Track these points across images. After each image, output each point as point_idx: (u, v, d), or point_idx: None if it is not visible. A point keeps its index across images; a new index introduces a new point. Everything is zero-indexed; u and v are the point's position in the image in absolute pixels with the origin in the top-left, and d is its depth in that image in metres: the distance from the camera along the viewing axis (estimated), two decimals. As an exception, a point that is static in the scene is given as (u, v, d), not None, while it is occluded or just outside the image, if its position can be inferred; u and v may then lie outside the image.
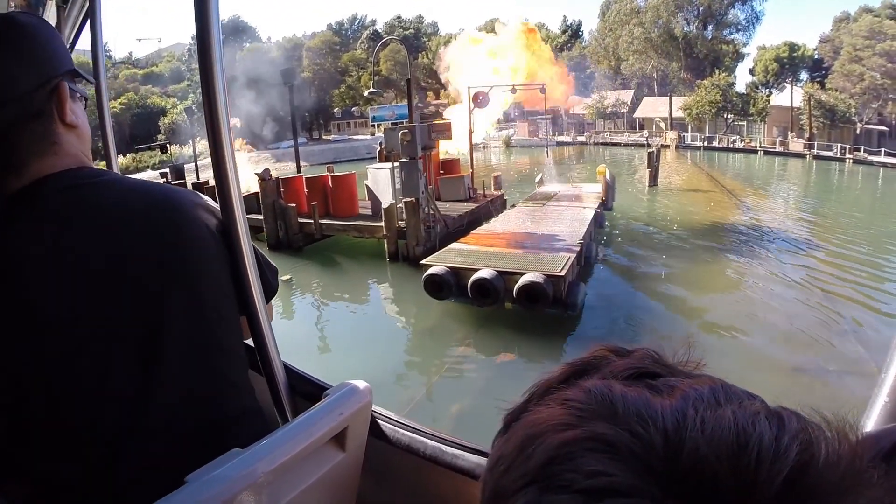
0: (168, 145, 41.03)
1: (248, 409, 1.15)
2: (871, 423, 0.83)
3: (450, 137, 16.54)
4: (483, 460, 1.19)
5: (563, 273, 10.15)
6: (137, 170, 40.33)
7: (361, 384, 1.22)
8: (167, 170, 25.71)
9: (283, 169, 30.60)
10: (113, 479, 0.93)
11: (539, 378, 0.46)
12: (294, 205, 16.15)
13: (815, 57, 59.61)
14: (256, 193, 16.72)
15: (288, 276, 13.57)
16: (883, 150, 46.09)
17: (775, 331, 10.59)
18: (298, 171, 22.77)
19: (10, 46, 0.95)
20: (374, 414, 1.33)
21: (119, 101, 48.42)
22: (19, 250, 0.92)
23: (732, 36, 63.25)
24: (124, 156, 43.06)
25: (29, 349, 0.90)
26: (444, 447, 1.26)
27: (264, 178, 15.98)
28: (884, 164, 43.57)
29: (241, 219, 1.19)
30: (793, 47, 58.23)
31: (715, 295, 12.55)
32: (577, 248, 11.85)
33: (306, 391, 1.40)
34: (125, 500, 0.85)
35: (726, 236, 18.59)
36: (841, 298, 12.07)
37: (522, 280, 10.03)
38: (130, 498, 0.84)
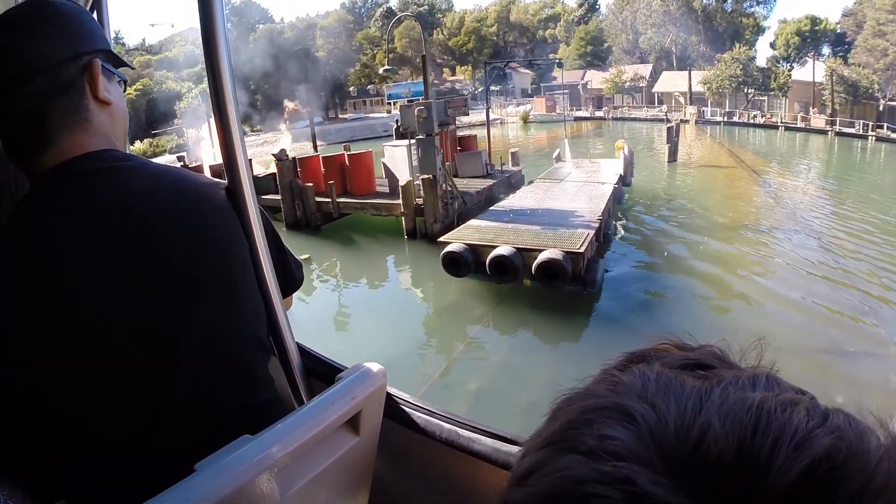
0: (185, 129, 41.26)
1: (270, 399, 1.14)
2: None
3: (466, 114, 16.41)
4: (499, 444, 1.18)
5: (582, 250, 10.09)
6: (154, 154, 40.48)
7: (375, 367, 1.18)
8: (184, 153, 25.84)
9: (301, 149, 30.64)
10: (133, 473, 0.92)
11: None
12: (311, 184, 16.15)
13: (838, 31, 58.42)
14: (273, 174, 16.75)
15: (306, 256, 13.62)
16: None
17: (795, 309, 10.47)
18: (315, 151, 22.81)
19: (41, 22, 0.95)
20: (390, 395, 1.30)
21: (135, 87, 48.46)
22: (54, 235, 0.91)
23: (753, 9, 62.13)
24: (141, 141, 43.32)
25: (64, 342, 0.89)
26: (460, 430, 1.24)
27: (281, 158, 15.97)
28: None
29: (250, 197, 1.14)
30: (815, 21, 57.05)
31: (735, 274, 12.38)
32: (596, 225, 11.75)
33: (321, 373, 1.39)
34: (143, 491, 0.82)
35: (746, 214, 18.35)
36: (861, 280, 11.88)
37: (541, 257, 9.98)
38: (150, 492, 0.83)
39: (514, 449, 1.15)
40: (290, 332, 1.26)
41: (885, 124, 46.54)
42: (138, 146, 41.88)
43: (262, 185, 17.28)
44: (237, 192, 1.13)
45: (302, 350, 1.35)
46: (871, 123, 46.48)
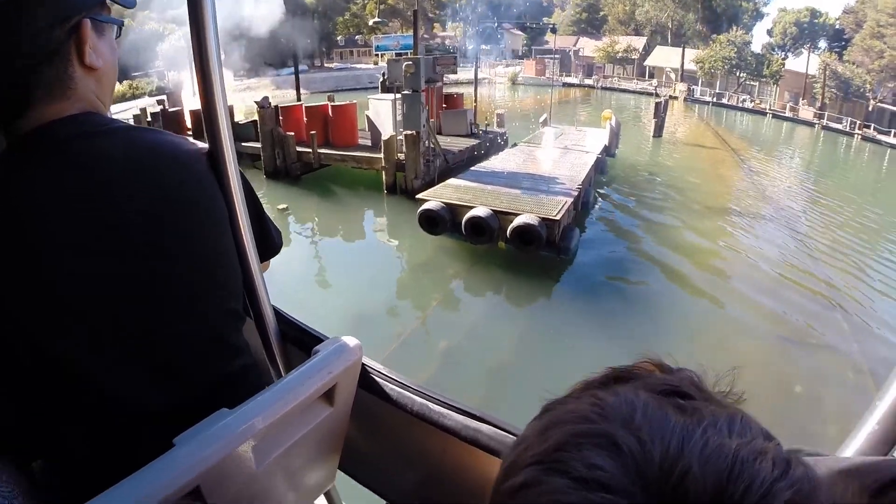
0: (165, 72, 40.17)
1: (246, 365, 1.14)
2: (854, 448, 0.82)
3: (454, 72, 16.17)
4: (468, 421, 1.20)
5: (558, 217, 10.12)
6: (134, 97, 39.40)
7: (352, 341, 1.20)
8: (164, 97, 25.21)
9: (284, 97, 30.10)
10: (109, 443, 0.93)
11: (583, 379, 0.48)
12: (293, 133, 15.90)
13: (837, 27, 58.35)
14: (255, 121, 16.45)
15: (284, 206, 13.48)
16: (893, 130, 45.40)
17: (761, 297, 10.64)
18: (298, 100, 22.43)
19: None
20: (364, 366, 1.31)
21: None
22: (28, 206, 0.87)
23: (754, -8, 61.67)
24: (120, 83, 42.12)
25: (26, 309, 0.86)
26: (431, 405, 1.25)
27: (263, 105, 15.66)
28: (892, 146, 42.86)
29: (231, 162, 1.13)
30: (815, 13, 56.94)
31: (706, 254, 12.56)
32: (575, 193, 11.76)
33: (297, 339, 1.39)
34: (122, 466, 0.81)
35: (726, 197, 18.52)
36: (829, 275, 12.10)
37: (517, 221, 10.00)
38: (126, 464, 0.81)
39: (482, 426, 1.17)
40: (267, 299, 1.28)
41: (873, 125, 46.93)
42: (117, 88, 40.74)
43: (243, 132, 17.00)
44: (218, 157, 1.11)
45: (279, 316, 1.37)
46: (858, 122, 46.91)
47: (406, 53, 15.06)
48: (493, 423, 1.17)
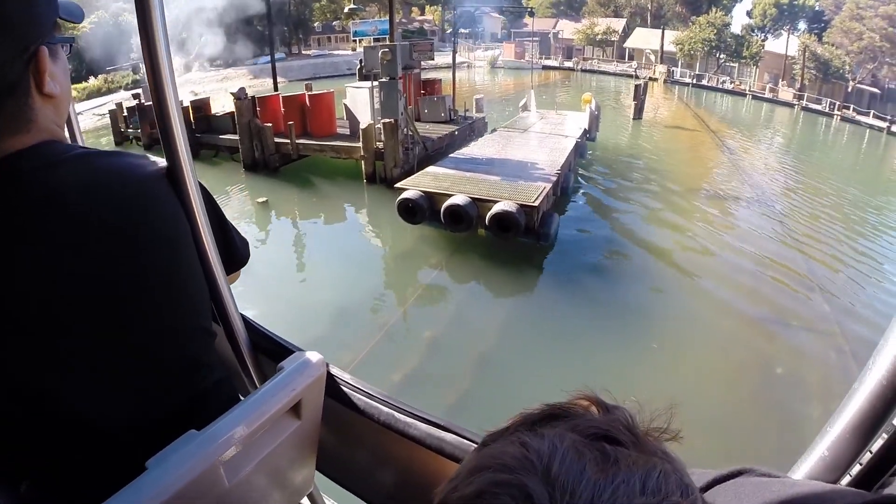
0: (141, 64, 39.30)
1: (218, 381, 1.16)
2: (804, 471, 0.84)
3: (432, 58, 16.05)
4: (432, 430, 1.23)
5: (536, 203, 10.10)
6: (109, 91, 38.75)
7: (315, 356, 1.22)
8: (140, 90, 24.80)
9: (262, 86, 29.77)
10: (85, 468, 0.94)
11: (522, 411, 0.49)
12: (270, 124, 15.70)
13: (816, 8, 58.68)
14: (232, 113, 16.24)
15: (264, 199, 13.36)
16: (872, 111, 45.96)
17: (742, 278, 10.75)
18: (275, 89, 22.16)
19: None
20: (332, 376, 1.34)
21: (89, 19, 45.95)
22: None
23: (735, -25, 61.78)
24: (95, 77, 41.33)
25: (8, 341, 0.85)
26: (396, 414, 1.28)
27: (239, 97, 15.45)
28: (870, 126, 43.43)
29: (190, 175, 1.10)
30: None
31: (687, 237, 12.64)
32: (554, 179, 11.74)
33: (267, 349, 1.41)
34: (97, 488, 0.82)
35: (706, 179, 18.62)
36: (808, 255, 12.22)
37: (495, 208, 9.97)
38: (101, 486, 0.82)
39: (446, 435, 1.20)
40: (236, 312, 1.28)
41: (852, 105, 47.53)
42: (92, 82, 40.13)
43: (221, 124, 16.83)
44: (176, 172, 1.09)
45: (249, 326, 1.37)
46: (837, 103, 47.41)
47: (384, 38, 14.84)
48: (457, 431, 1.20)
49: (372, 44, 15.70)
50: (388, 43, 14.10)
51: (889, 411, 0.76)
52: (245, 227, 11.99)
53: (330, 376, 1.33)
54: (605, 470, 0.36)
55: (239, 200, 13.69)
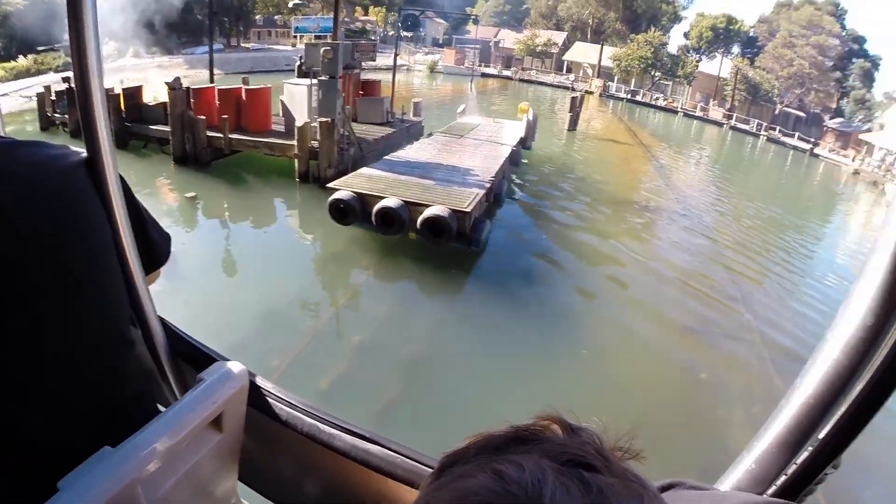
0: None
1: (136, 391, 1.10)
2: (730, 483, 0.87)
3: (373, 59, 15.96)
4: (357, 442, 1.21)
5: (469, 209, 10.17)
6: (39, 72, 36.62)
7: (237, 367, 1.20)
8: (70, 73, 23.65)
9: (197, 77, 28.98)
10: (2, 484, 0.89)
11: (482, 431, 0.47)
12: (204, 117, 15.15)
13: (751, 34, 62.02)
14: (165, 103, 15.66)
15: (193, 194, 12.93)
16: (797, 133, 49.07)
17: (668, 288, 11.19)
18: (211, 81, 21.59)
19: None
20: (255, 386, 1.30)
21: None
22: None
23: (675, -3, 64.24)
24: (25, 57, 39.26)
25: None
26: (320, 426, 1.26)
27: (174, 87, 14.88)
28: (794, 147, 46.53)
29: (111, 167, 1.06)
30: (731, 20, 60.09)
31: (616, 247, 13.01)
32: (488, 185, 11.87)
33: (188, 355, 1.36)
34: None
35: (636, 191, 19.21)
36: (731, 269, 12.83)
37: (427, 212, 10.00)
38: None
39: (372, 447, 1.19)
40: (154, 315, 1.24)
41: (778, 127, 50.47)
42: (21, 62, 38.12)
43: (152, 114, 16.21)
44: (97, 164, 1.04)
45: (168, 331, 1.33)
46: (765, 124, 50.38)
47: (326, 37, 14.61)
48: (383, 444, 1.19)
49: (313, 41, 15.43)
50: (330, 41, 13.90)
51: (815, 427, 0.79)
52: (170, 223, 11.58)
53: (253, 386, 1.28)
54: (594, 502, 0.36)
55: (166, 194, 13.24)
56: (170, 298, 7.48)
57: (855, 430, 0.76)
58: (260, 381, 1.32)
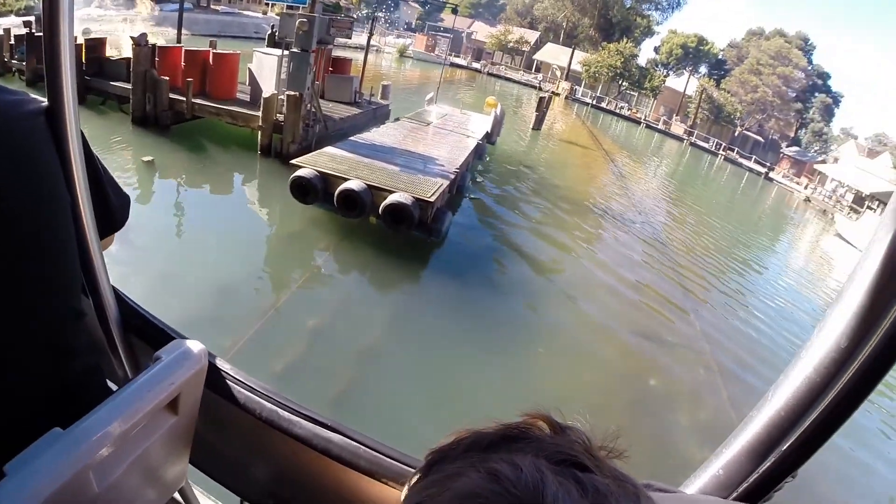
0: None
1: (87, 368, 1.04)
2: (697, 487, 0.90)
3: (349, 37, 15.71)
4: (318, 430, 1.19)
5: (432, 199, 10.16)
6: (0, 14, 35.19)
7: (196, 346, 1.12)
8: (32, 18, 22.57)
9: (162, 35, 28.06)
10: None
11: (469, 428, 0.46)
12: (167, 78, 14.61)
13: (720, 57, 63.81)
14: (128, 59, 15.03)
15: (150, 158, 12.41)
16: (754, 157, 51.13)
17: (621, 294, 11.43)
18: (179, 41, 20.94)
19: None
20: (212, 366, 1.25)
21: None
22: None
23: (650, 12, 65.25)
24: (-16, -2, 37.31)
25: None
26: (280, 411, 1.22)
27: (139, 43, 14.22)
28: (750, 169, 48.53)
29: (73, 121, 0.98)
30: (702, 41, 61.59)
31: (570, 249, 13.26)
32: (452, 176, 11.88)
33: (143, 331, 1.29)
34: None
35: (594, 196, 19.52)
36: (683, 280, 13.21)
37: (390, 198, 9.95)
38: None
39: (334, 436, 1.17)
40: (108, 285, 1.17)
41: (737, 149, 52.41)
42: (-20, 3, 36.32)
43: (114, 70, 15.54)
44: (58, 114, 0.97)
45: (122, 304, 1.26)
46: (724, 144, 52.25)
47: (299, 8, 14.17)
48: (345, 433, 1.17)
49: (286, 10, 15.03)
50: (305, 13, 13.59)
51: (782, 438, 0.83)
52: (124, 187, 11.14)
53: (211, 367, 1.23)
54: (592, 500, 0.36)
55: (122, 156, 12.74)
56: (121, 267, 7.28)
57: (818, 443, 0.80)
58: (219, 362, 1.28)
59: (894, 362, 0.73)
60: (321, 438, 1.17)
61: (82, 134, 1.01)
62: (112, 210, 1.12)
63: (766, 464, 0.84)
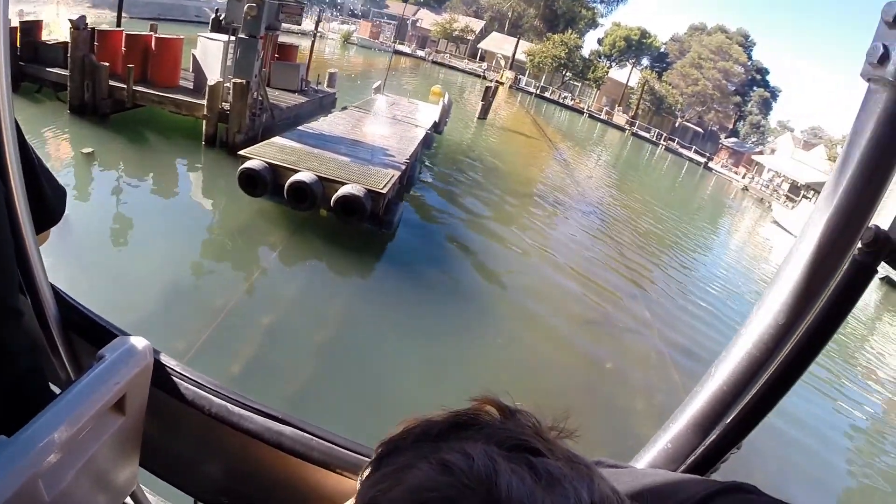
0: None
1: (27, 370, 1.01)
2: (646, 461, 0.93)
3: (299, 23, 15.31)
4: (270, 423, 1.18)
5: (384, 190, 10.15)
6: None
7: (141, 342, 1.09)
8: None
9: (98, 18, 26.93)
10: None
11: (417, 415, 0.46)
12: (107, 64, 13.92)
13: (662, 50, 65.48)
14: (65, 43, 14.33)
15: (90, 150, 11.90)
16: (694, 147, 52.94)
17: (570, 280, 11.80)
18: (119, 25, 20.10)
19: None
20: (158, 363, 1.21)
21: None
22: None
23: (595, 4, 66.32)
24: None
25: None
26: (230, 406, 1.20)
27: (78, 26, 13.36)
28: (690, 159, 50.36)
29: (6, 106, 0.94)
30: (644, 34, 62.94)
31: (520, 236, 13.52)
32: (403, 167, 11.89)
33: (84, 329, 1.24)
34: None
35: (541, 183, 19.86)
36: (629, 265, 13.63)
37: (342, 190, 9.89)
38: None
39: (285, 429, 1.16)
40: (46, 282, 1.12)
41: (677, 139, 54.08)
42: None
43: (50, 55, 14.69)
44: None
45: (60, 301, 1.21)
46: (665, 134, 53.79)
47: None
48: (297, 425, 1.16)
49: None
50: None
51: (725, 412, 0.87)
52: (63, 181, 10.63)
53: (157, 364, 1.19)
54: (548, 489, 0.36)
55: (59, 147, 12.18)
56: (62, 265, 7.00)
57: (759, 415, 0.84)
58: (164, 358, 1.24)
59: (829, 337, 0.79)
60: (273, 432, 1.16)
61: (16, 123, 0.97)
62: (48, 203, 1.08)
63: (712, 436, 0.87)
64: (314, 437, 1.15)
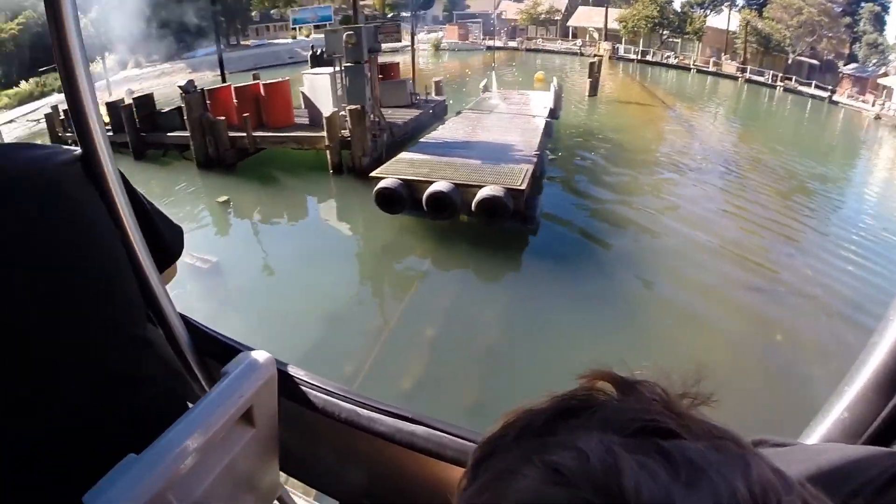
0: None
1: (158, 393, 1.04)
2: (819, 434, 0.77)
3: (399, 40, 15.42)
4: (401, 424, 1.15)
5: (523, 186, 9.82)
6: (42, 94, 36.31)
7: (262, 356, 1.12)
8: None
9: (202, 79, 28.64)
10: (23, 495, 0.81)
11: (517, 407, 0.37)
12: (223, 118, 14.72)
13: None
14: (179, 108, 15.25)
15: (225, 198, 12.44)
16: (813, 82, 48.62)
17: (724, 251, 10.79)
18: (223, 80, 21.14)
19: None
20: (287, 375, 1.25)
21: (16, 21, 43.18)
22: None
23: (679, -45, 63.19)
24: (27, 81, 38.91)
25: None
26: (360, 410, 1.20)
27: (188, 90, 14.45)
28: (812, 96, 46.14)
29: (108, 162, 1.01)
30: None
31: (663, 209, 12.72)
32: (535, 160, 11.45)
33: (213, 350, 1.30)
34: None
35: (671, 151, 18.74)
36: (776, 222, 12.43)
37: (481, 193, 9.62)
38: None
39: (417, 428, 1.14)
40: (174, 312, 1.20)
41: (794, 77, 49.99)
42: (23, 87, 37.94)
43: (167, 121, 15.87)
44: (92, 160, 1.00)
45: (190, 327, 1.28)
46: (780, 74, 49.82)
47: (325, 25, 13.95)
48: (429, 424, 1.14)
49: (331, 28, 14.89)
50: (352, 25, 13.34)
51: None
52: (205, 232, 11.18)
53: (283, 375, 1.24)
54: (689, 483, 0.27)
55: (195, 201, 12.76)
56: (221, 309, 7.08)
57: None
58: (291, 369, 1.28)
59: None
60: (405, 433, 1.15)
61: (122, 174, 1.03)
62: (166, 242, 1.15)
63: None
64: (447, 435, 1.11)
